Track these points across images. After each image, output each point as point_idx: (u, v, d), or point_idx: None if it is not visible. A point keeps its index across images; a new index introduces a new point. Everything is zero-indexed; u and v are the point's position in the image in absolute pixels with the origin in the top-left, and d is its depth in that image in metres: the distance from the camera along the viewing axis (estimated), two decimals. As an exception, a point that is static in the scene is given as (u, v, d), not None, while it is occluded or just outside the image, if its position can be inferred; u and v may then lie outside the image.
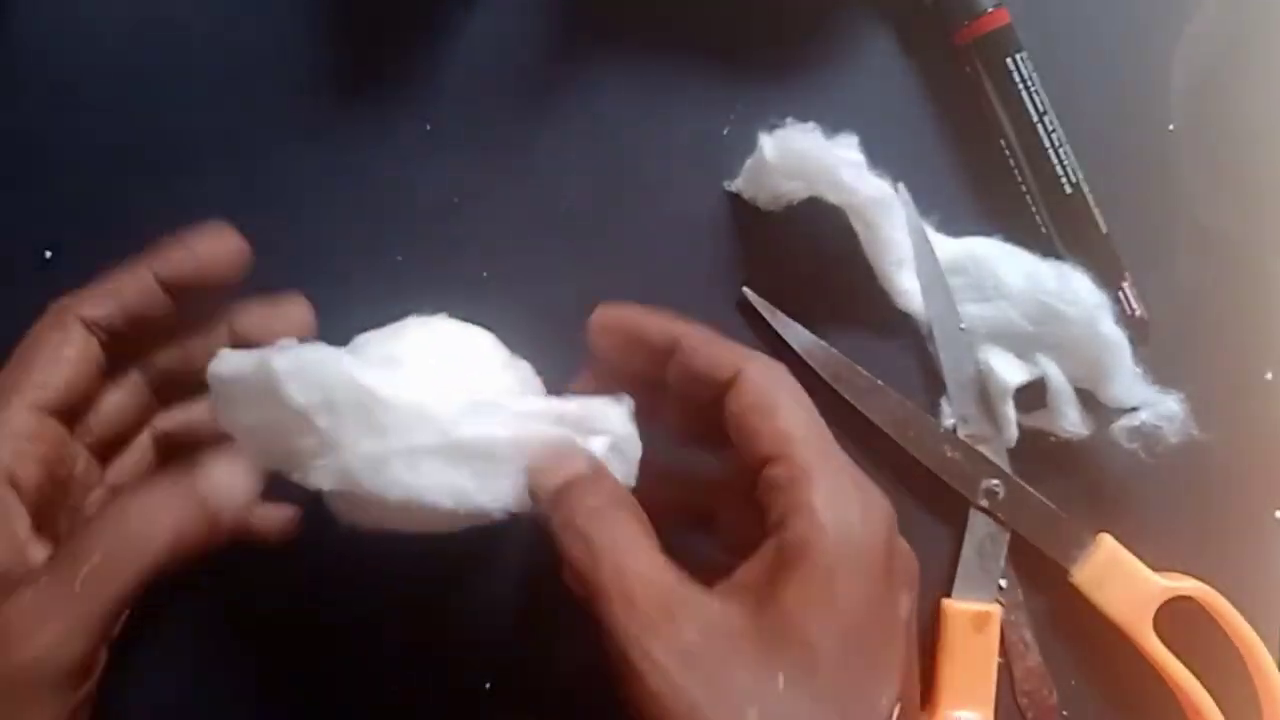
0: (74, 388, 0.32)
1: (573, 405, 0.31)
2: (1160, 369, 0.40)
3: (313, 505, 0.32)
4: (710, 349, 0.31)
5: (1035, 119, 0.40)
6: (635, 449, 0.32)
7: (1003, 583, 0.40)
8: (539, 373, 0.35)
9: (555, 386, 0.39)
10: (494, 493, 0.30)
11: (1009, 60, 0.40)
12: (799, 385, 0.30)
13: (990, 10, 0.40)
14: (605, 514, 0.28)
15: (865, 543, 0.27)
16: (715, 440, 0.31)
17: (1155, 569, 0.40)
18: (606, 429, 0.31)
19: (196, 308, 0.34)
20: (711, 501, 0.34)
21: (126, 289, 0.32)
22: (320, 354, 0.30)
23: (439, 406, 0.30)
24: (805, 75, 0.41)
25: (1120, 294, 0.40)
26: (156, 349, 0.34)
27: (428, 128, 0.40)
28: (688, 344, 0.31)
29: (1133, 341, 0.39)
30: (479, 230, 0.40)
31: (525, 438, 0.30)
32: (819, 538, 0.27)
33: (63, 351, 0.31)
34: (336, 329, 0.39)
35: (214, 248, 0.33)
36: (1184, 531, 0.41)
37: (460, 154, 0.40)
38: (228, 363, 0.31)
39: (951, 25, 0.40)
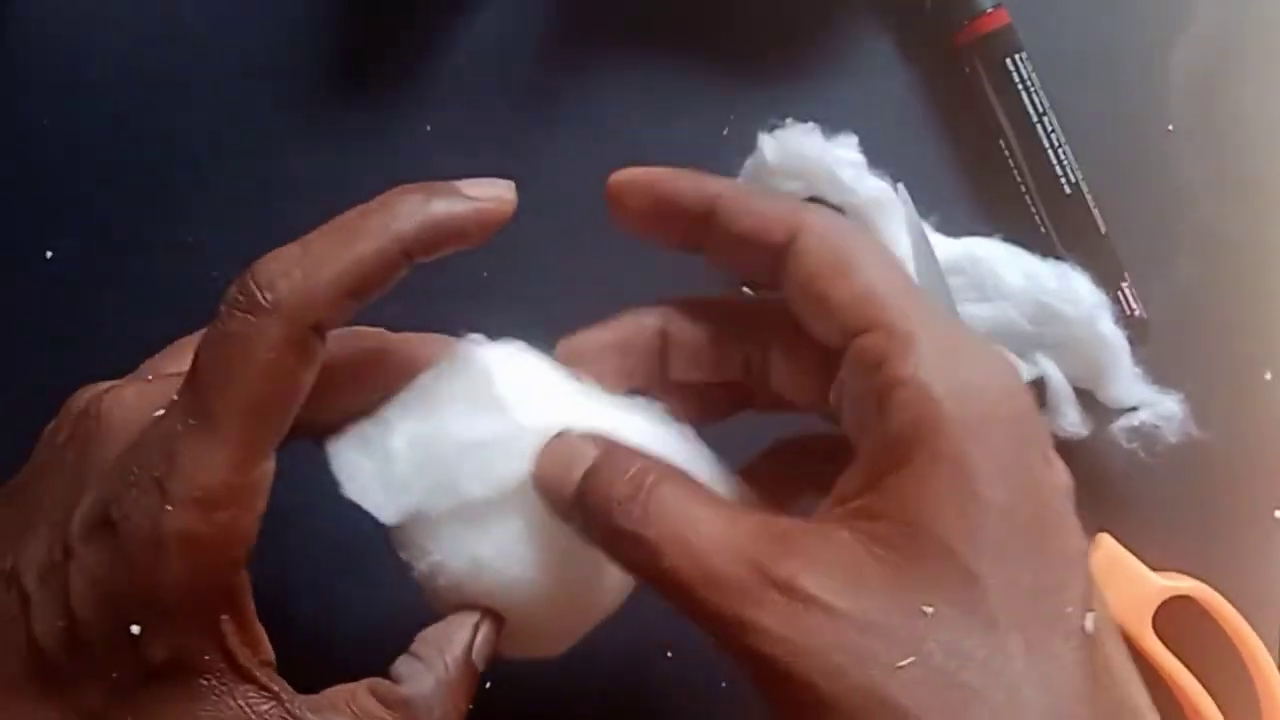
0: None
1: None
2: (1159, 369, 0.40)
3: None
4: (757, 205, 0.25)
5: (1035, 119, 0.40)
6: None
7: (1002, 582, 0.40)
8: None
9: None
10: None
11: (1008, 60, 0.40)
12: (874, 239, 0.25)
13: (990, 10, 0.40)
14: (642, 501, 0.23)
15: (997, 408, 0.21)
16: (779, 332, 0.26)
17: (1154, 568, 0.40)
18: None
19: None
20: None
21: (372, 278, 0.25)
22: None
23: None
24: (805, 75, 0.41)
25: (1120, 294, 0.40)
26: None
27: (428, 128, 0.40)
28: (728, 203, 0.26)
29: (1132, 341, 0.39)
30: (479, 230, 0.40)
31: None
32: (934, 414, 0.21)
33: (300, 380, 0.24)
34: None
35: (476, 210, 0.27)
36: (1184, 531, 0.41)
37: (460, 154, 0.40)
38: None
39: (951, 25, 0.40)
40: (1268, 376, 0.42)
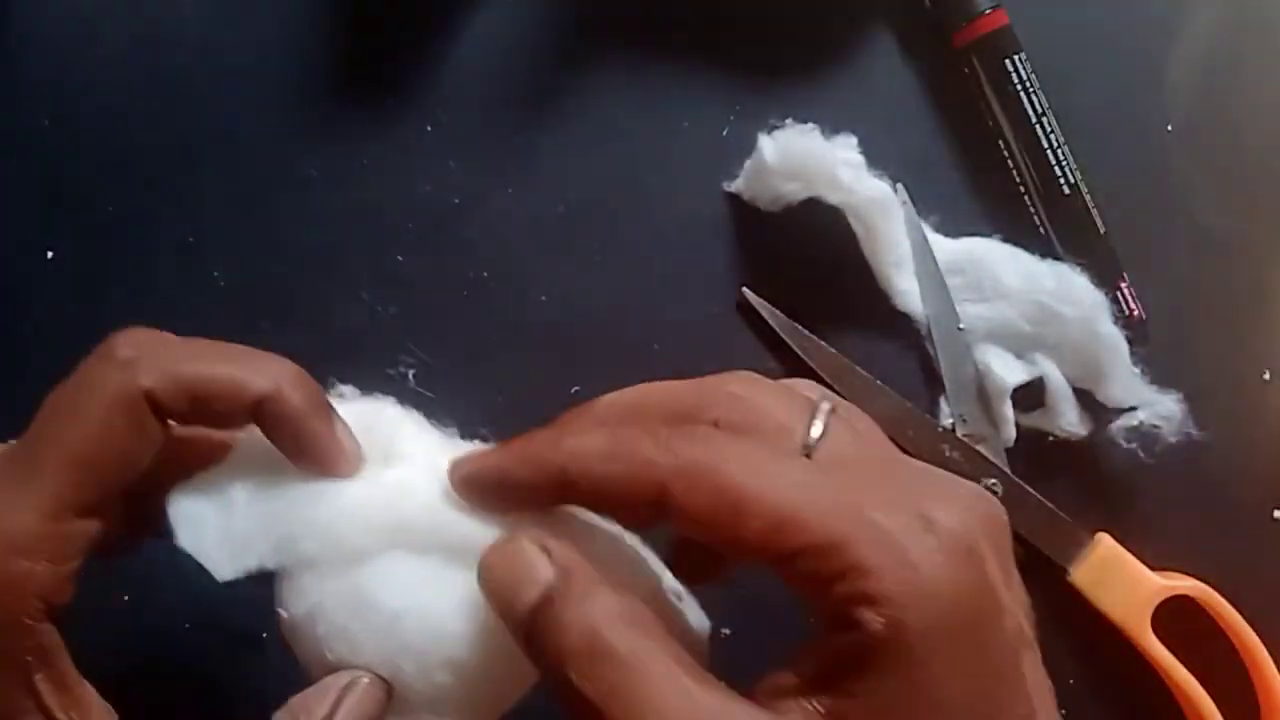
0: (116, 484, 0.25)
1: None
2: (1158, 368, 0.40)
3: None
4: (612, 470, 0.23)
5: (1034, 120, 0.40)
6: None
7: (1001, 582, 0.40)
8: (542, 377, 0.37)
9: (557, 389, 0.39)
10: None
11: (1007, 61, 0.40)
12: (743, 445, 0.23)
13: (988, 11, 0.40)
14: (600, 661, 0.21)
15: (953, 600, 0.21)
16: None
17: (1154, 568, 0.40)
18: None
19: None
20: None
21: (219, 399, 0.25)
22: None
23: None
24: (805, 76, 0.41)
25: (1119, 294, 0.40)
26: None
27: (428, 129, 0.40)
28: (580, 474, 0.23)
29: (1131, 341, 0.39)
30: (479, 231, 0.40)
31: None
32: (891, 629, 0.20)
33: (127, 448, 0.24)
34: (337, 329, 0.39)
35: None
36: (1183, 531, 0.41)
37: (461, 155, 0.40)
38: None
39: (950, 26, 0.40)
40: (1267, 376, 0.42)
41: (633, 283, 0.40)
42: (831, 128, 0.39)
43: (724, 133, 0.41)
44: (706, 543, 0.22)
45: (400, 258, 0.40)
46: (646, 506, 0.22)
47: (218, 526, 0.26)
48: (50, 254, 0.39)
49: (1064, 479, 0.41)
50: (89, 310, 0.39)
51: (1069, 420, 0.39)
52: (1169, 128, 0.42)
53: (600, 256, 0.40)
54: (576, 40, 0.41)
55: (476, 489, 0.25)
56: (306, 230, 0.39)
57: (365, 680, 0.25)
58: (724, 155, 0.41)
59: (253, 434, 0.26)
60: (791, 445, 0.23)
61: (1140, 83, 0.42)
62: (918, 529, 0.21)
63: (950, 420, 0.40)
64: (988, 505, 0.23)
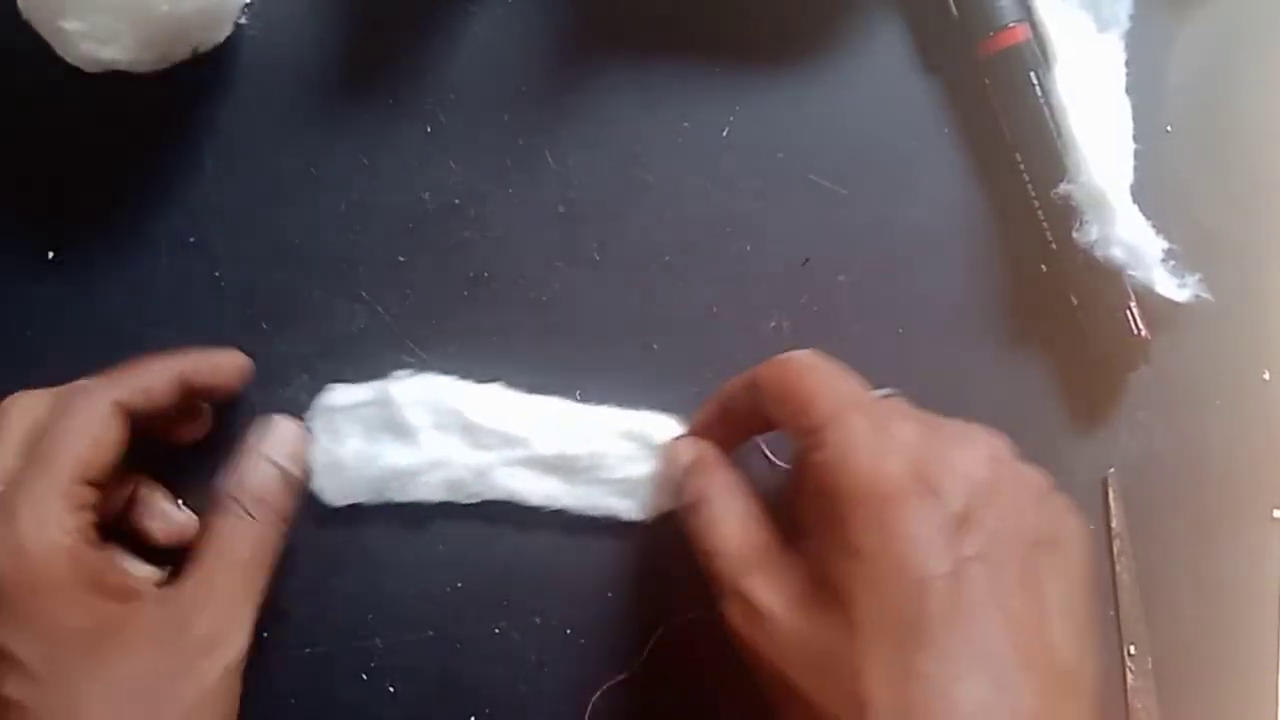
0: (107, 469, 0.33)
1: (634, 419, 0.38)
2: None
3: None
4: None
5: (1053, 134, 0.39)
6: None
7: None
8: (542, 377, 0.38)
9: (557, 389, 0.39)
10: (576, 495, 0.37)
11: (1032, 75, 0.39)
12: (815, 363, 0.32)
13: (1010, 25, 0.39)
14: (698, 506, 0.34)
15: (876, 482, 0.28)
16: None
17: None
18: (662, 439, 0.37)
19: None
20: None
21: (155, 382, 0.34)
22: (433, 383, 0.37)
23: (526, 429, 0.37)
24: (805, 76, 0.41)
25: (1127, 314, 0.39)
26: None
27: (428, 129, 0.40)
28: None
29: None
30: (480, 231, 0.40)
31: (597, 450, 0.37)
32: (832, 475, 0.29)
33: (103, 435, 0.33)
34: (339, 330, 0.39)
35: (228, 363, 0.37)
36: (1183, 531, 0.41)
37: (461, 155, 0.40)
38: (340, 394, 0.37)
39: (975, 37, 0.40)
40: (1266, 376, 0.42)
41: (633, 283, 0.40)
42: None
43: (724, 133, 0.41)
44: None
45: (400, 258, 0.40)
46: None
47: (331, 476, 0.37)
48: (50, 254, 0.39)
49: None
50: (92, 311, 0.39)
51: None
52: (1169, 128, 0.42)
53: (600, 256, 0.40)
54: (576, 40, 0.41)
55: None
56: (307, 231, 0.39)
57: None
58: (724, 155, 0.41)
59: (360, 406, 0.38)
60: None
61: (1141, 83, 0.42)
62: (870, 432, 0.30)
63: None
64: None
